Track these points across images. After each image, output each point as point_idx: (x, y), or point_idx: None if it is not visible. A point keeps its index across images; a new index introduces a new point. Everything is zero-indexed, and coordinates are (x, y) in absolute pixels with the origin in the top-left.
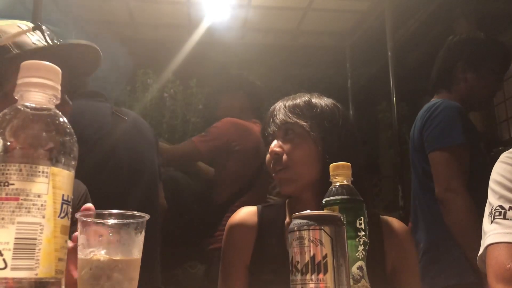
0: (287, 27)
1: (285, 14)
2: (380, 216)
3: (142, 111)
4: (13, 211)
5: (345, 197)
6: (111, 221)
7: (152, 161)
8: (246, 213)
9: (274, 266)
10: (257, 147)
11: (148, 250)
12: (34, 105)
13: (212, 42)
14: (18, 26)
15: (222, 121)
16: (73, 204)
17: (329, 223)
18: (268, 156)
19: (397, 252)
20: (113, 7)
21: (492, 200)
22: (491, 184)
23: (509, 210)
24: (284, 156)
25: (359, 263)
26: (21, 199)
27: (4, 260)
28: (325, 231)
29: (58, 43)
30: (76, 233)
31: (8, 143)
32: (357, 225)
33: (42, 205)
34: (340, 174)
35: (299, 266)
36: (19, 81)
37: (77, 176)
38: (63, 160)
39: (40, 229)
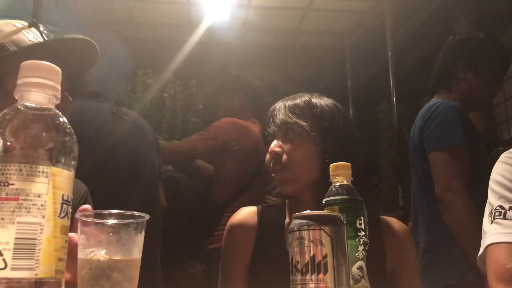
0: (287, 27)
1: (285, 14)
2: (380, 216)
3: (142, 111)
4: (13, 211)
5: (345, 197)
6: (111, 221)
7: (152, 161)
8: (246, 213)
9: (274, 266)
10: (256, 147)
11: (148, 250)
12: (34, 105)
13: (212, 42)
14: (14, 25)
15: (221, 120)
16: (73, 204)
17: (329, 223)
18: (268, 156)
19: (397, 252)
20: (113, 7)
21: (492, 200)
22: (491, 184)
23: (509, 210)
24: (284, 156)
25: (359, 263)
26: (21, 199)
27: (4, 260)
28: (325, 231)
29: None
30: (71, 234)
31: (8, 143)
32: (357, 225)
33: (42, 205)
34: (340, 174)
35: (299, 266)
36: (19, 81)
37: (77, 176)
38: (63, 160)
39: (40, 229)
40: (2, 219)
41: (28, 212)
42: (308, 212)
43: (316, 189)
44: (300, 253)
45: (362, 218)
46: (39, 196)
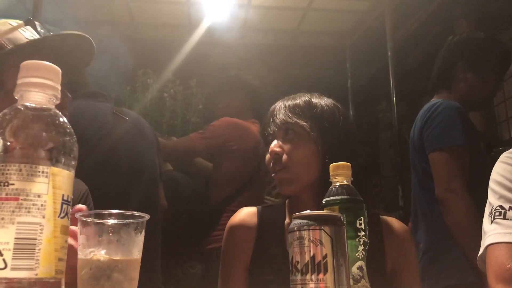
0: (287, 27)
1: (285, 14)
2: (380, 216)
3: (142, 111)
4: (13, 211)
5: (345, 197)
6: (111, 221)
7: (153, 161)
8: (246, 213)
9: (274, 266)
10: (255, 147)
11: (149, 250)
12: (34, 105)
13: (212, 42)
14: (10, 24)
15: (220, 120)
16: (74, 204)
17: (329, 223)
18: (268, 156)
19: (397, 252)
20: (113, 7)
21: (492, 200)
22: (491, 184)
23: (509, 210)
24: (284, 156)
25: (359, 263)
26: (21, 199)
27: (4, 260)
28: (325, 231)
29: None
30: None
31: (8, 143)
32: (357, 225)
33: (42, 205)
34: (340, 174)
35: (299, 266)
36: (19, 81)
37: (78, 176)
38: (63, 160)
39: (40, 229)
40: (2, 219)
41: (28, 212)
42: (308, 212)
43: (316, 189)
44: (300, 253)
45: (362, 218)
46: (39, 196)
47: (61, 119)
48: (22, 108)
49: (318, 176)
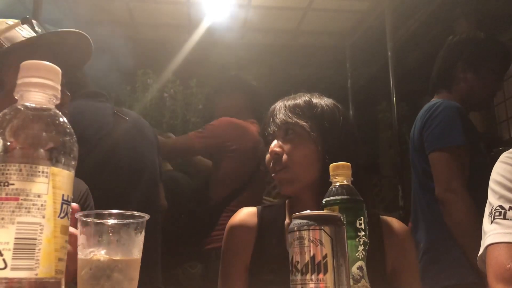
0: (287, 27)
1: (285, 14)
2: (380, 216)
3: (142, 111)
4: (13, 211)
5: (345, 197)
6: (111, 221)
7: (153, 161)
8: (246, 213)
9: (274, 267)
10: (253, 147)
11: (149, 250)
12: (34, 105)
13: (212, 42)
14: (7, 23)
15: (219, 120)
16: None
17: (329, 223)
18: (268, 156)
19: (397, 252)
20: (113, 7)
21: (492, 200)
22: (491, 184)
23: (509, 210)
24: (284, 156)
25: (359, 263)
26: (21, 199)
27: (4, 260)
28: (325, 231)
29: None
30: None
31: (8, 143)
32: (357, 225)
33: (42, 205)
34: (340, 174)
35: (299, 266)
36: (19, 81)
37: (78, 176)
38: (63, 160)
39: (40, 229)
40: (2, 219)
41: (28, 212)
42: (308, 212)
43: (316, 189)
44: (300, 253)
45: (362, 218)
46: (39, 196)
47: (61, 119)
48: (22, 108)
49: (318, 176)
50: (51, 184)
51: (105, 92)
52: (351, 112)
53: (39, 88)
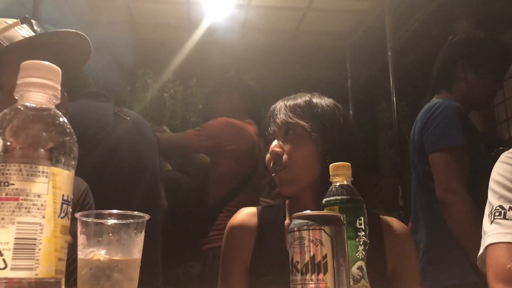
0: (287, 27)
1: (285, 14)
2: (380, 216)
3: (142, 111)
4: (13, 211)
5: (345, 197)
6: (111, 221)
7: (153, 161)
8: (246, 214)
9: (274, 267)
10: (251, 147)
11: (149, 250)
12: (34, 105)
13: (212, 42)
14: (6, 22)
15: (218, 119)
16: (74, 201)
17: (329, 223)
18: (268, 156)
19: (397, 252)
20: (113, 7)
21: (492, 200)
22: (491, 184)
23: (509, 210)
24: (285, 156)
25: (359, 263)
26: (21, 199)
27: (4, 260)
28: (325, 231)
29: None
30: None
31: (8, 143)
32: (357, 225)
33: (42, 205)
34: (340, 174)
35: (299, 266)
36: (19, 81)
37: (79, 175)
38: (63, 160)
39: (40, 229)
40: (2, 219)
41: (28, 212)
42: (308, 212)
43: (316, 189)
44: (300, 253)
45: (362, 218)
46: (39, 196)
47: (61, 119)
48: (22, 108)
49: (318, 176)
50: (51, 184)
51: (105, 92)
52: (351, 112)
53: (39, 88)
